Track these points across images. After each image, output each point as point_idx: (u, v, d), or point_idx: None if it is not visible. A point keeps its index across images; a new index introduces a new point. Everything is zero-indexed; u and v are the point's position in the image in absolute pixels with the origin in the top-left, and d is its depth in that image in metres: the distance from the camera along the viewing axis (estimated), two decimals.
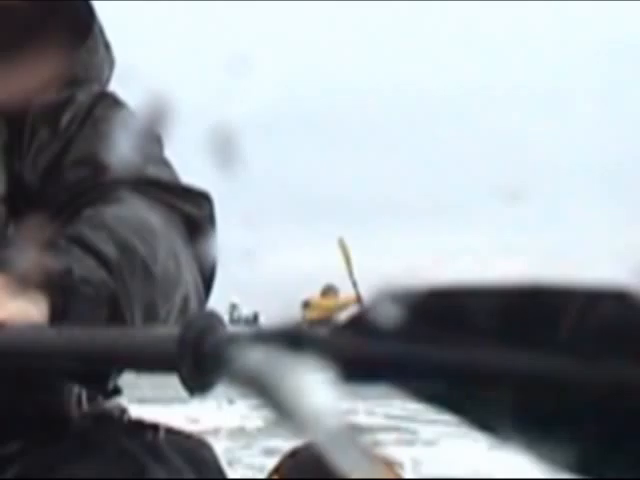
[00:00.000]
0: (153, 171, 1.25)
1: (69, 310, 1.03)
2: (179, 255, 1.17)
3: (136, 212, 1.17)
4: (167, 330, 0.82)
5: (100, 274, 1.06)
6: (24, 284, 1.00)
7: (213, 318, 0.77)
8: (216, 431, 7.04)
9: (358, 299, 14.28)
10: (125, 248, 1.10)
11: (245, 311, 16.15)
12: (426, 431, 8.31)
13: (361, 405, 9.07)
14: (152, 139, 1.28)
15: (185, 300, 1.17)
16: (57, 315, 1.01)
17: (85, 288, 1.04)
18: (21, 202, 1.21)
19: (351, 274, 14.27)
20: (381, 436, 7.77)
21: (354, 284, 14.29)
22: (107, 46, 1.33)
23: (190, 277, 1.19)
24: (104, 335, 0.89)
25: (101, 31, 1.32)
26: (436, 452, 7.43)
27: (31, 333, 0.93)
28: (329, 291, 14.76)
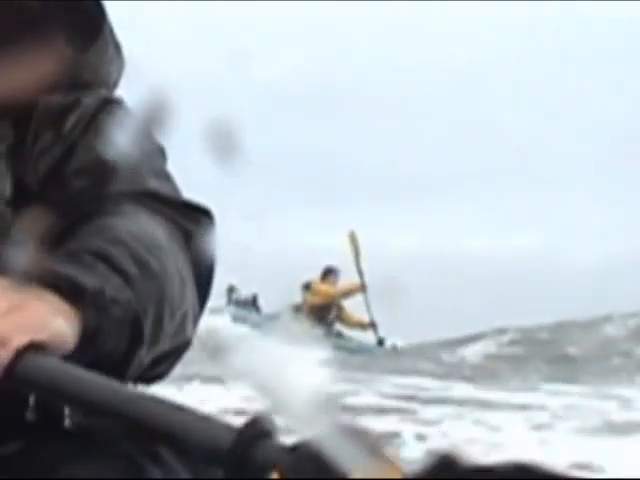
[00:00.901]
0: (155, 184, 1.24)
1: (100, 331, 1.03)
2: (182, 272, 1.18)
3: (144, 227, 1.17)
4: (224, 427, 0.83)
5: (126, 294, 1.06)
6: (25, 282, 0.99)
7: (269, 424, 0.80)
8: (224, 412, 7.08)
9: (362, 288, 14.32)
10: (142, 266, 1.10)
11: (244, 292, 16.14)
12: (426, 411, 8.32)
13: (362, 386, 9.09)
14: (155, 151, 1.28)
15: (184, 317, 1.18)
16: (88, 336, 1.02)
17: (115, 309, 1.05)
18: (21, 204, 1.20)
19: (358, 264, 14.29)
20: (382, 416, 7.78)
21: (360, 273, 14.31)
22: (117, 47, 1.31)
23: (190, 294, 1.19)
24: (158, 409, 0.88)
25: (111, 32, 1.30)
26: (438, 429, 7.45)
27: (84, 381, 0.92)
28: (330, 273, 14.71)
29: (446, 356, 13.12)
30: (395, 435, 6.98)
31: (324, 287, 14.49)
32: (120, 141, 1.22)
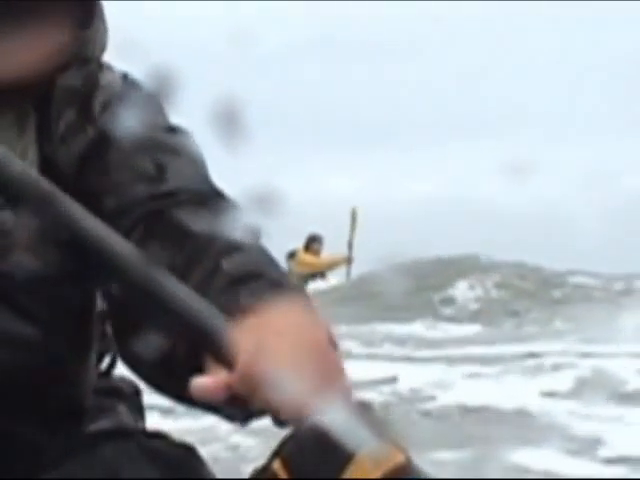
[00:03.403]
0: (214, 180, 1.17)
1: None
2: None
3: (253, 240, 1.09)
4: None
5: None
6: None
7: None
8: None
9: (348, 261, 14.65)
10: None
11: None
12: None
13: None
14: (192, 136, 1.21)
15: None
16: None
17: None
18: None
19: (351, 238, 14.48)
20: None
21: (349, 245, 14.50)
22: (104, 21, 1.29)
23: None
24: None
25: (100, 7, 1.28)
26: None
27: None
28: (314, 241, 14.79)
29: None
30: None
31: (310, 258, 14.69)
32: (156, 125, 1.17)
